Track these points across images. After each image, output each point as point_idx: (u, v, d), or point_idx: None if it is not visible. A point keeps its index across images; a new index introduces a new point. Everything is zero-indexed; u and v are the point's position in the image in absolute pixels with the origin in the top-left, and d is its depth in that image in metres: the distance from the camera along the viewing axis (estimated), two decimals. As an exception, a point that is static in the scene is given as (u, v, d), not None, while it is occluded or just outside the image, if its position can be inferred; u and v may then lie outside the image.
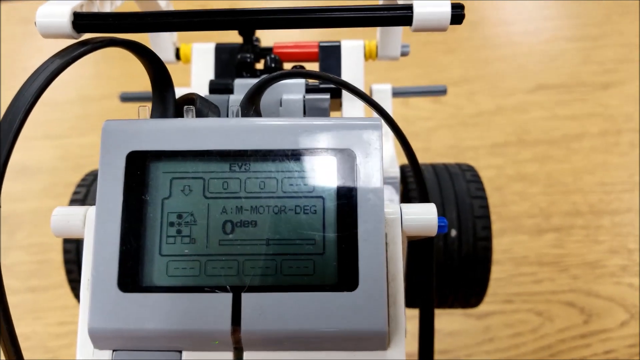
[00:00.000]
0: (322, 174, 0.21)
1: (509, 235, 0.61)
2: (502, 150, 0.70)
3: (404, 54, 0.40)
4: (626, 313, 0.54)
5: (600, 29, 0.85)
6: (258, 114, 0.24)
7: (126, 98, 0.49)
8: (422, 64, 0.81)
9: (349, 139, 0.21)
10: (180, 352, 0.20)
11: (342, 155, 0.21)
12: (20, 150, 0.65)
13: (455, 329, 0.53)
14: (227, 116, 0.28)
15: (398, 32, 0.39)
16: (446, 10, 0.21)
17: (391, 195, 0.39)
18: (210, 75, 0.39)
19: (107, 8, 0.25)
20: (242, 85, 0.33)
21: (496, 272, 0.56)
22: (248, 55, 0.37)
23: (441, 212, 0.39)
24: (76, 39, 0.21)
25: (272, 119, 0.22)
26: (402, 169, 0.42)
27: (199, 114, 0.24)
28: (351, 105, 0.36)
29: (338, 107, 0.37)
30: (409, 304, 0.33)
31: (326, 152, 0.21)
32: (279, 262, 0.20)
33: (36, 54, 0.86)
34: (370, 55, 0.40)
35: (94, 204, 0.21)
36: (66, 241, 0.40)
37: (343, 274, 0.20)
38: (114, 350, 0.20)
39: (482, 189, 0.40)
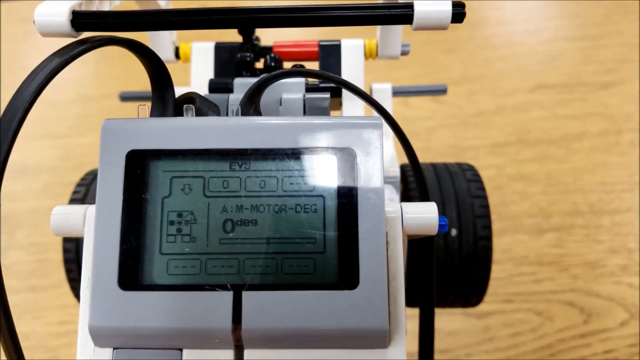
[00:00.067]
0: (323, 172, 0.21)
1: (509, 234, 0.61)
2: (502, 149, 0.70)
3: (404, 53, 0.40)
4: (626, 313, 0.54)
5: (601, 28, 0.85)
6: (258, 113, 0.24)
7: (126, 97, 0.49)
8: (422, 64, 0.81)
9: (350, 138, 0.21)
10: (181, 350, 0.20)
11: (342, 154, 0.21)
12: (19, 150, 0.65)
13: (455, 329, 0.53)
14: (227, 115, 0.28)
15: (398, 31, 0.39)
16: (447, 8, 0.21)
17: (391, 195, 0.39)
18: (210, 74, 0.39)
19: (106, 7, 0.25)
20: (242, 85, 0.33)
21: (496, 271, 0.56)
22: (248, 54, 0.37)
23: (441, 212, 0.39)
24: (75, 37, 0.21)
25: (273, 117, 0.22)
26: (402, 168, 0.42)
27: (199, 113, 0.24)
28: (351, 105, 0.36)
29: (338, 106, 0.36)
30: (409, 303, 0.33)
31: (326, 150, 0.21)
32: (280, 261, 0.20)
33: (36, 53, 0.86)
34: (370, 54, 0.40)
35: (94, 203, 0.21)
36: (66, 240, 0.40)
37: (344, 273, 0.20)
38: (114, 349, 0.20)
39: (483, 189, 0.40)
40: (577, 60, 0.80)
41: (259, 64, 0.38)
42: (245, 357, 0.20)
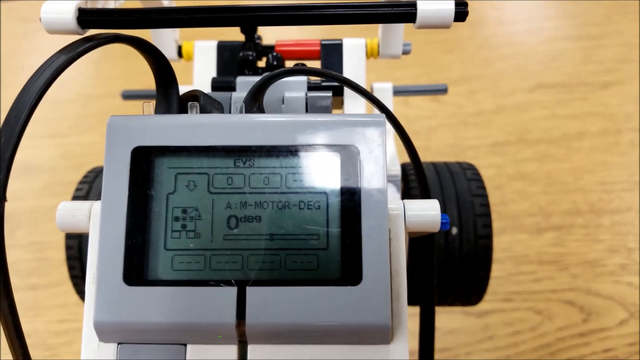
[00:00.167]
0: (326, 169, 0.21)
1: (509, 234, 0.61)
2: (503, 149, 0.70)
3: (405, 52, 0.41)
4: (625, 312, 0.54)
5: (601, 28, 0.85)
6: (261, 110, 0.24)
7: (128, 96, 0.49)
8: (423, 63, 0.81)
9: (353, 135, 0.21)
10: (185, 345, 0.20)
11: (345, 151, 0.21)
12: (20, 149, 0.65)
13: (454, 327, 0.53)
14: (231, 113, 0.28)
15: (400, 30, 0.39)
16: (450, 7, 0.21)
17: (392, 193, 0.39)
18: (212, 73, 0.39)
19: (111, 4, 0.26)
20: (244, 83, 0.33)
21: (496, 270, 0.56)
22: (250, 53, 0.37)
23: (442, 210, 0.39)
24: (81, 35, 0.21)
25: (276, 115, 0.22)
26: (403, 167, 0.42)
27: (203, 111, 0.24)
28: (353, 103, 0.36)
29: (340, 105, 0.37)
30: (410, 301, 0.33)
31: (330, 148, 0.21)
32: (283, 257, 0.20)
33: (36, 52, 0.86)
34: (371, 54, 0.40)
35: (97, 200, 0.21)
36: (68, 237, 0.40)
37: (347, 269, 0.20)
38: (119, 344, 0.20)
39: (483, 187, 0.40)
40: (577, 60, 0.81)
41: (261, 63, 0.38)
42: (248, 353, 0.20)
